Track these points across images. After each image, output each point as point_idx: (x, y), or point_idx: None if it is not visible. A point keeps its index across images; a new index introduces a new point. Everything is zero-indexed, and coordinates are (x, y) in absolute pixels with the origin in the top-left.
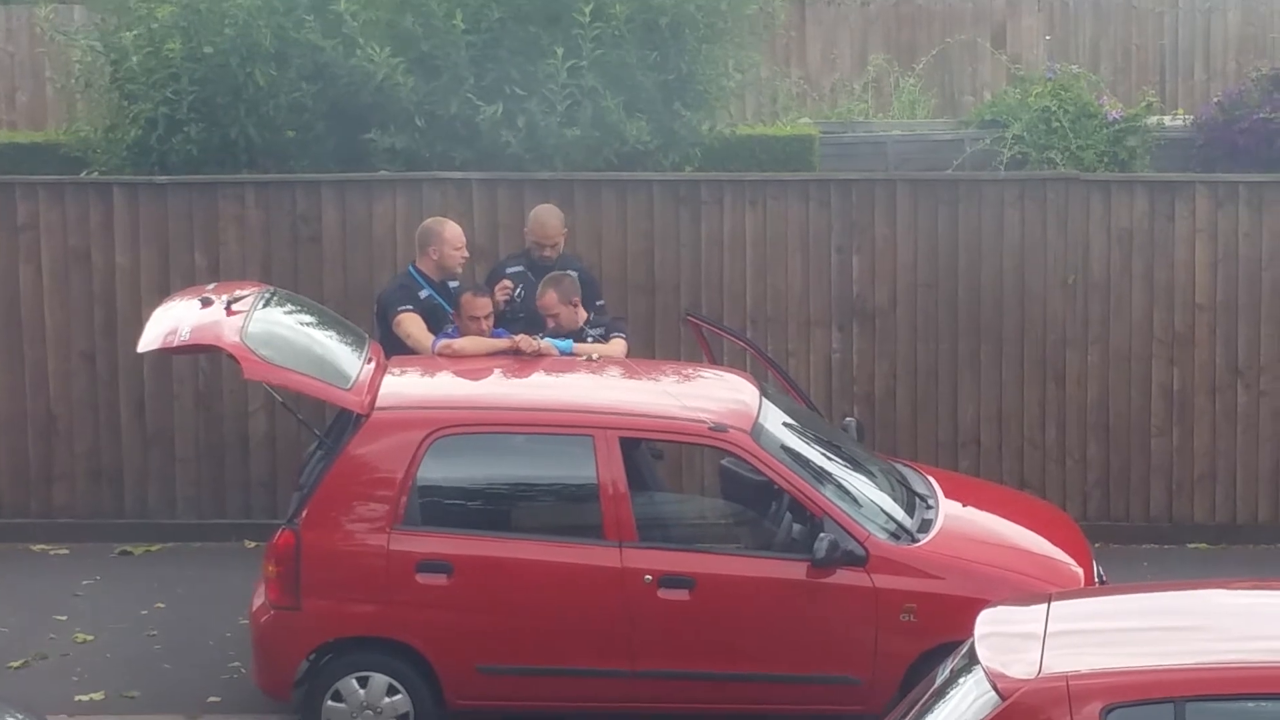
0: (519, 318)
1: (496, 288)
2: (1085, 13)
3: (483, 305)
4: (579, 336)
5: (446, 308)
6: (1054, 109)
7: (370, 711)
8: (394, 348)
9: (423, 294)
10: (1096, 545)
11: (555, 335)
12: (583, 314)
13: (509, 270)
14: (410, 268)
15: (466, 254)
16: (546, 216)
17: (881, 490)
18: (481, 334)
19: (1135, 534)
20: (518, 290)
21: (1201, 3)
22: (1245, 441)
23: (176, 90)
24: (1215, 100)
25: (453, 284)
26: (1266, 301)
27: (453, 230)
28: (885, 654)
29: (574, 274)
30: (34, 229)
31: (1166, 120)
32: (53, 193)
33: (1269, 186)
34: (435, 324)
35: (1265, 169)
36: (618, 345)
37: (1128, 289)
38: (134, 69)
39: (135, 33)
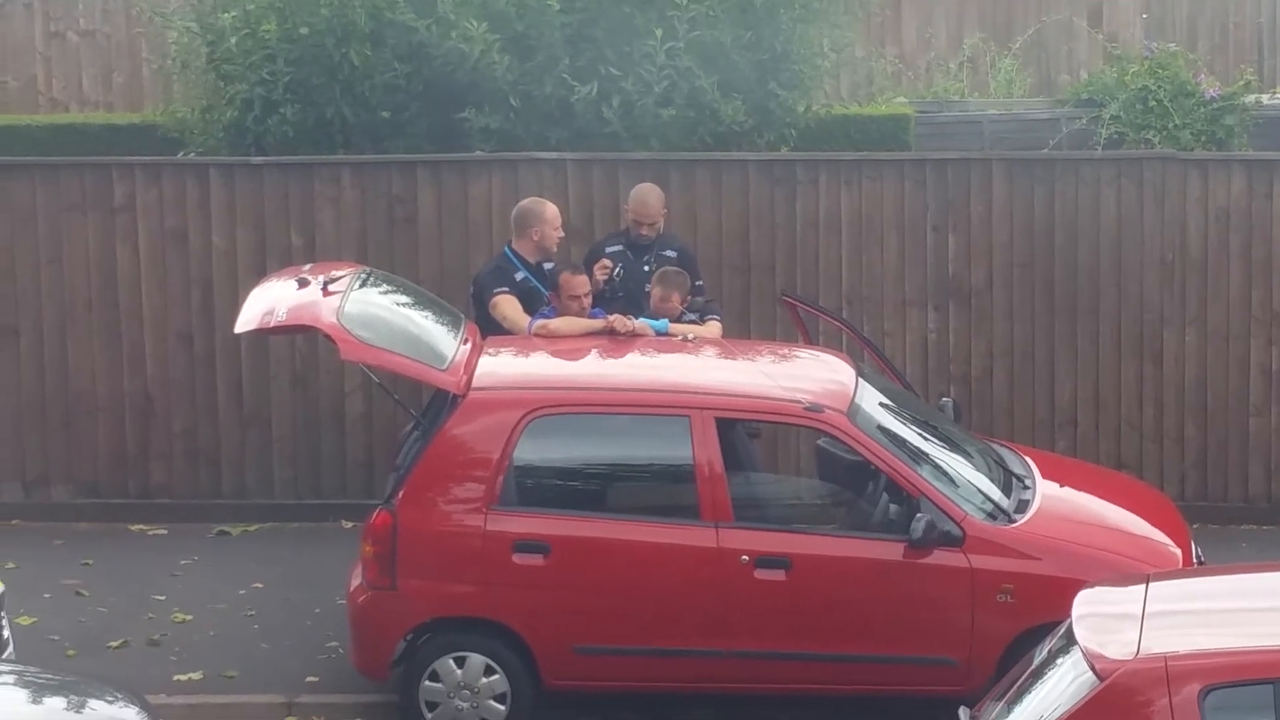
0: (618, 297)
1: (596, 267)
2: None
3: (581, 284)
4: (676, 318)
5: (542, 289)
6: (1151, 88)
7: (467, 691)
8: (490, 329)
9: (518, 276)
10: (1194, 526)
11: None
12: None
13: (608, 250)
14: (506, 249)
15: (563, 234)
16: (647, 194)
17: (978, 470)
18: (580, 313)
19: (1233, 514)
20: (617, 269)
21: None
22: None
23: (272, 71)
24: None
25: (548, 265)
26: None
27: (552, 211)
28: (982, 635)
29: (684, 271)
30: (131, 210)
31: (1264, 98)
32: (149, 174)
33: None
34: (531, 306)
35: None
36: (714, 327)
37: (1225, 268)
38: (230, 50)
39: (232, 14)
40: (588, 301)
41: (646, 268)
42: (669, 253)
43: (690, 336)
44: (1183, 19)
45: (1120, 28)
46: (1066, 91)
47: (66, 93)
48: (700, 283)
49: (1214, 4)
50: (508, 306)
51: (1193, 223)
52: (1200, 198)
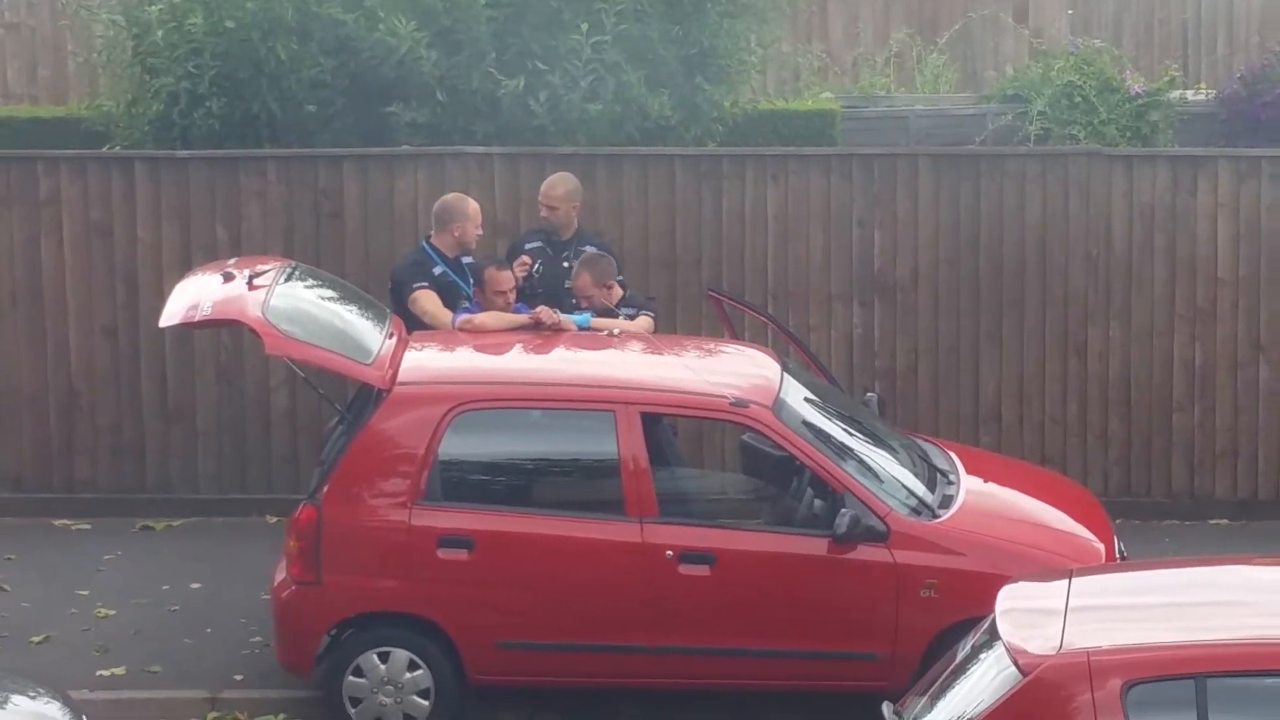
0: (537, 293)
1: (515, 263)
2: None
3: (506, 279)
4: (611, 315)
5: (460, 284)
6: (1077, 84)
7: (391, 686)
8: (410, 324)
9: (437, 270)
10: (1118, 521)
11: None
12: (617, 293)
13: (527, 246)
14: (424, 243)
15: (482, 232)
16: (553, 180)
17: (903, 466)
18: (505, 309)
19: (1157, 510)
20: (536, 265)
21: None
22: (1267, 417)
23: (199, 65)
24: (1238, 75)
25: (467, 260)
26: None
27: (474, 208)
28: (906, 629)
29: (609, 256)
30: (56, 203)
31: (1189, 95)
32: (75, 167)
33: None
34: (449, 300)
35: None
36: (644, 322)
37: (1150, 264)
38: (156, 43)
39: (158, 7)
40: (512, 297)
41: (566, 264)
42: (588, 248)
43: (615, 331)
44: (1108, 15)
45: (1046, 23)
46: (993, 87)
47: None
48: (621, 278)
49: (1139, 0)
50: (428, 301)
51: (1118, 219)
52: (1125, 194)
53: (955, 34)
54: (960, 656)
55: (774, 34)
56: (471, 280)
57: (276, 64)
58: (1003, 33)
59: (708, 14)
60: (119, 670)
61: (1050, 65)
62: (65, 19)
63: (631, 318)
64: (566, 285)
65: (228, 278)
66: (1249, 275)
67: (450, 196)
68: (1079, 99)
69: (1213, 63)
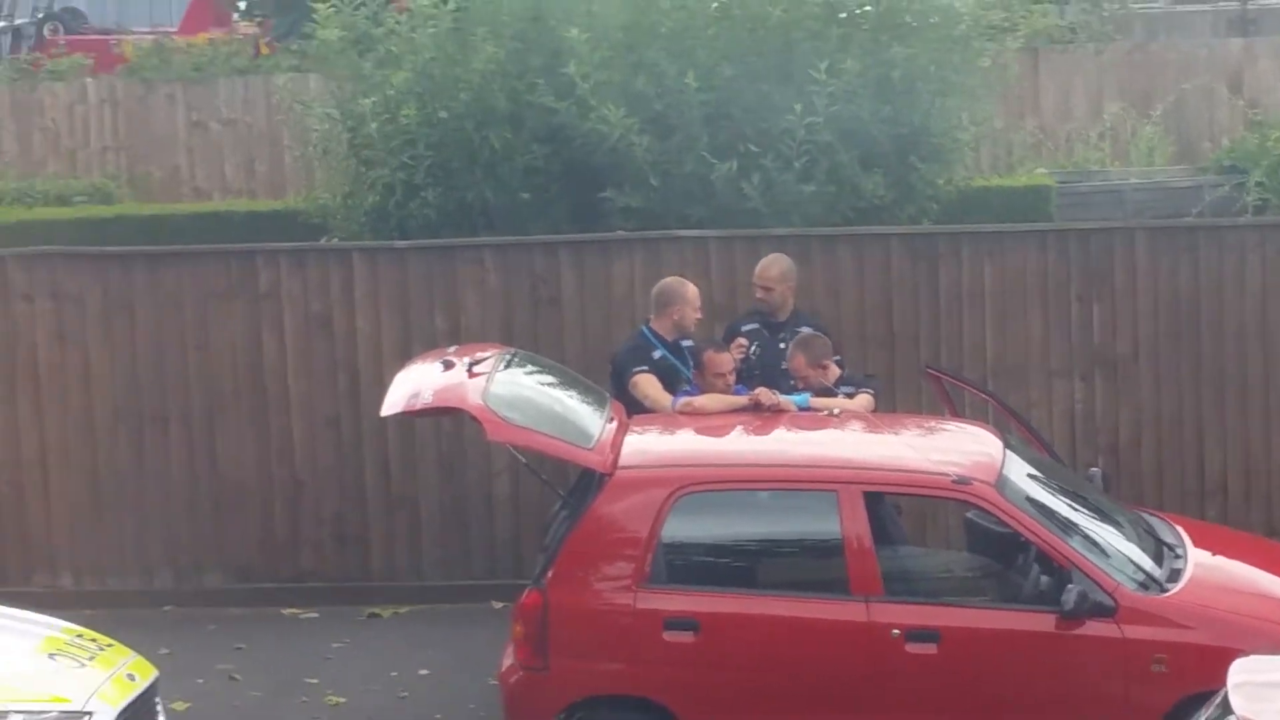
0: (755, 376)
1: (732, 345)
2: None
3: (725, 362)
4: (830, 395)
5: (680, 368)
6: None
7: None
8: (631, 408)
9: (656, 354)
10: None
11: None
12: (835, 372)
13: (744, 328)
14: (643, 327)
15: (701, 315)
16: (766, 260)
17: (1129, 540)
18: (725, 391)
19: None
20: (753, 347)
21: None
22: None
23: (413, 155)
24: None
25: (686, 343)
26: None
27: (693, 291)
28: (1136, 705)
29: (824, 336)
30: (275, 296)
31: None
32: (294, 260)
33: None
34: (669, 384)
35: None
36: (864, 400)
37: None
38: (371, 135)
39: (372, 100)
40: (732, 379)
41: (782, 345)
42: (804, 329)
43: (835, 411)
44: None
45: (1261, 93)
46: (1208, 159)
47: (210, 181)
48: (839, 358)
49: None
50: (648, 385)
51: None
52: None
53: (1169, 106)
54: None
55: (986, 111)
56: (691, 363)
57: (490, 153)
58: (1217, 104)
59: (919, 93)
60: None
61: (1267, 135)
62: (281, 114)
63: (851, 396)
64: (783, 366)
65: (447, 366)
66: None
67: (669, 280)
68: None
69: None
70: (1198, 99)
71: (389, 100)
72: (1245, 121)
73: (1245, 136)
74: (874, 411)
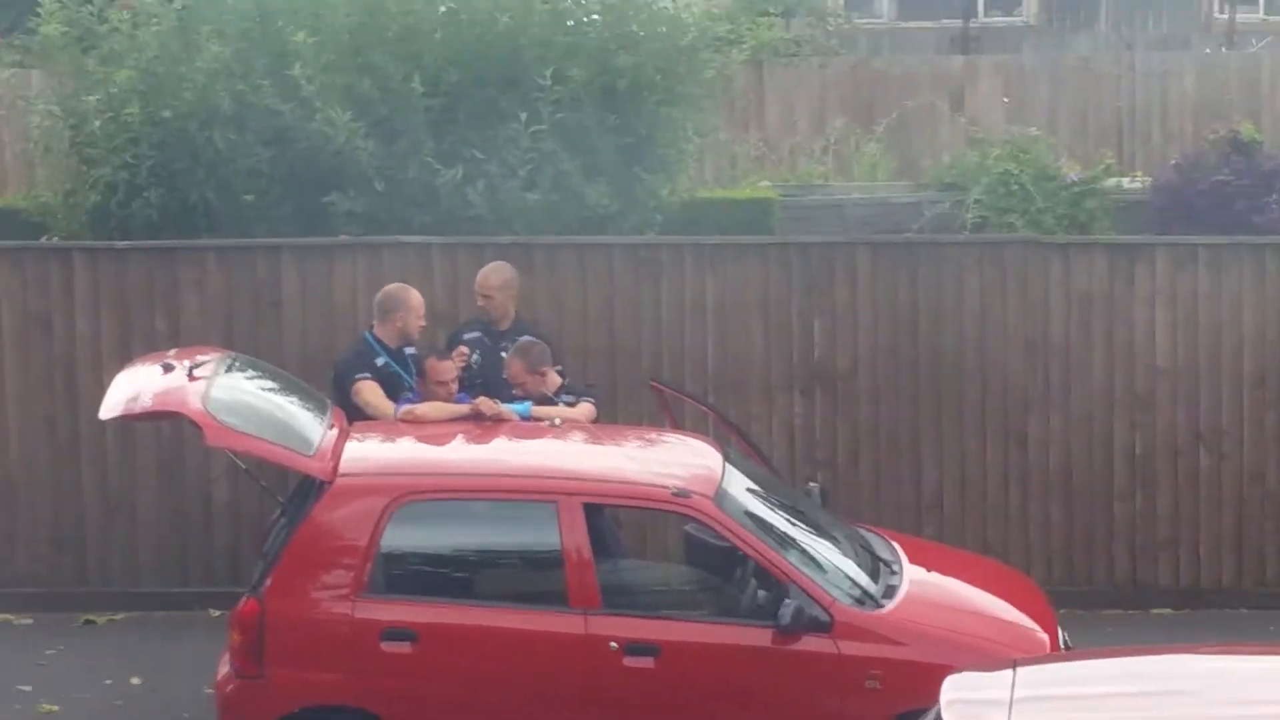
0: (476, 384)
1: (453, 354)
2: (1042, 75)
3: (448, 370)
4: (549, 403)
5: (403, 375)
6: (1013, 171)
7: None
8: (352, 415)
9: (379, 361)
10: (1061, 611)
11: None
12: (555, 380)
13: (465, 336)
14: (367, 334)
15: (425, 323)
16: (487, 269)
17: (845, 556)
18: (447, 399)
19: (1099, 599)
20: (474, 356)
21: (1158, 65)
22: (1208, 505)
23: (136, 155)
24: (1173, 163)
25: (409, 350)
26: (1227, 364)
27: (417, 299)
28: None
29: (544, 343)
30: None
31: (1125, 182)
32: (12, 259)
33: (1227, 249)
34: (392, 391)
35: (1223, 231)
36: (585, 409)
37: (1088, 352)
38: (94, 134)
39: (95, 97)
40: (454, 387)
41: (504, 354)
42: (539, 342)
43: (557, 421)
44: (1044, 103)
45: (982, 112)
46: (929, 175)
47: None
48: (560, 368)
49: (1074, 89)
50: (370, 393)
51: (1055, 306)
52: (1063, 281)
53: (892, 122)
54: None
55: (711, 123)
56: (414, 371)
57: (214, 154)
58: (939, 121)
59: (644, 103)
60: None
61: (986, 153)
62: (2, 110)
63: (571, 405)
64: (505, 375)
65: (168, 369)
66: (1187, 363)
67: (393, 286)
68: (1015, 187)
69: (1148, 150)
70: (920, 115)
71: (112, 98)
72: (966, 139)
73: (966, 154)
74: (595, 422)
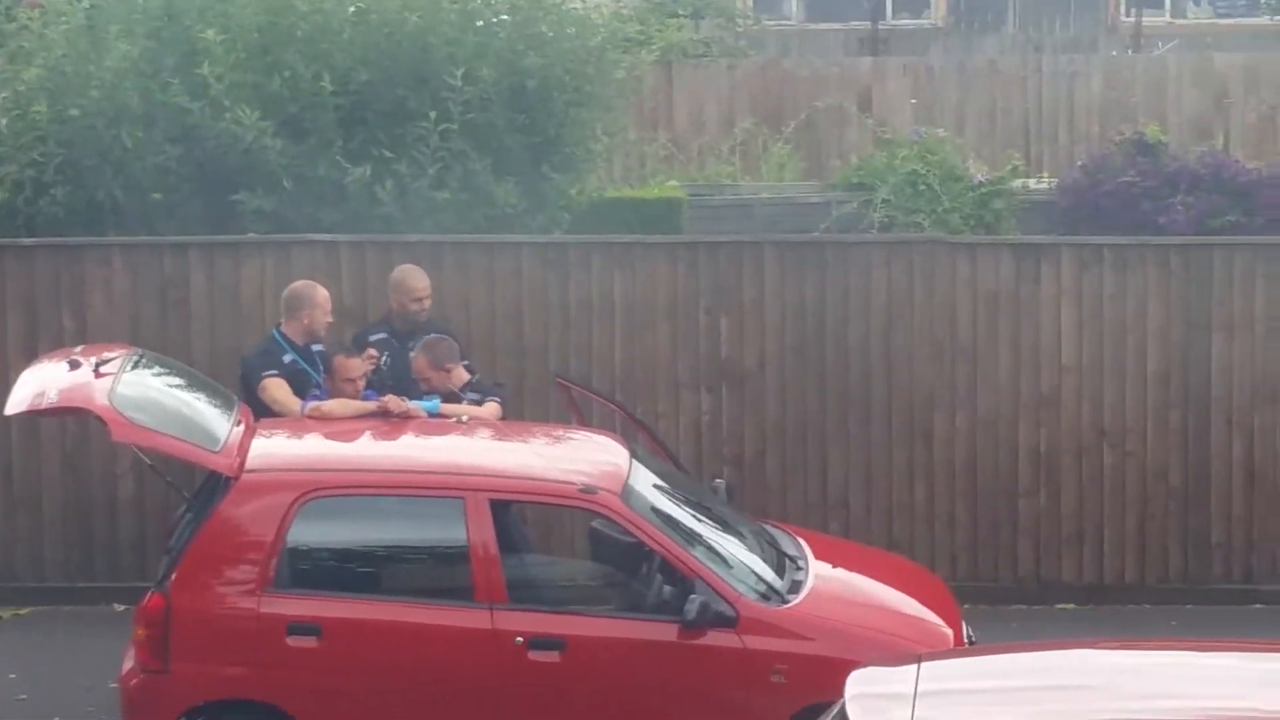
0: (387, 385)
1: (362, 356)
2: (950, 76)
3: (356, 367)
4: (455, 399)
5: (311, 372)
6: (920, 172)
7: None
8: (260, 412)
9: (287, 358)
10: (965, 606)
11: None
12: (462, 376)
13: (372, 338)
14: (275, 331)
15: (332, 319)
16: (410, 275)
17: (751, 552)
18: (355, 396)
19: (1004, 595)
20: (384, 358)
21: (1065, 67)
22: (1111, 502)
23: (43, 152)
24: (1079, 164)
25: (317, 347)
26: (1131, 363)
27: (323, 295)
28: (756, 715)
29: (451, 339)
30: None
31: (1031, 183)
32: None
33: (1132, 249)
34: (299, 388)
35: (1128, 232)
36: (492, 408)
37: (994, 351)
38: (1, 132)
39: (2, 95)
40: (362, 384)
41: (413, 354)
42: (446, 338)
43: (464, 418)
44: (951, 104)
45: (890, 113)
46: (837, 176)
47: None
48: (469, 363)
49: (981, 90)
50: (277, 389)
51: (962, 306)
52: (969, 281)
53: (800, 123)
54: None
55: (620, 122)
56: (321, 368)
57: (122, 152)
58: (847, 122)
59: (554, 102)
60: None
61: (894, 154)
62: None
63: (478, 403)
64: (412, 372)
65: (74, 365)
66: (1092, 362)
67: (299, 284)
68: (923, 187)
69: (1054, 151)
70: (828, 116)
71: (19, 96)
72: (874, 139)
73: (873, 154)
74: (503, 419)
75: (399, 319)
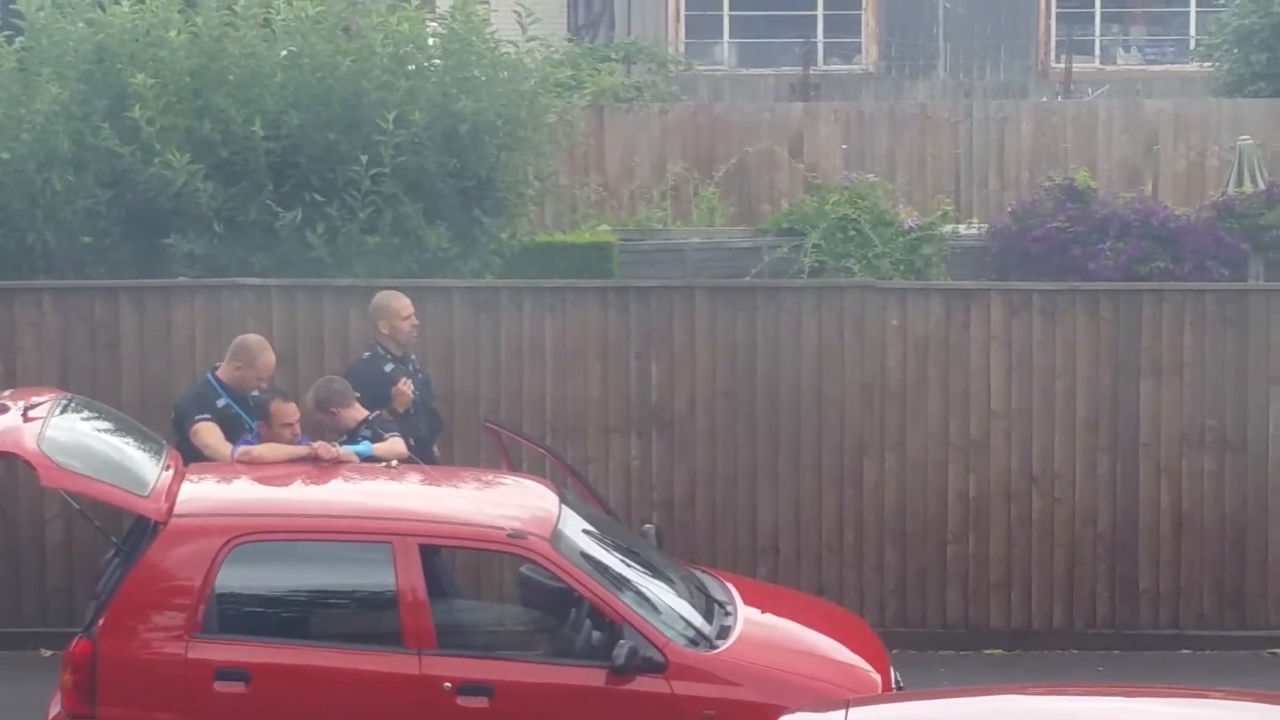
0: (419, 412)
1: (401, 383)
2: (881, 122)
3: (291, 412)
4: (354, 438)
5: (244, 417)
6: (851, 217)
7: None
8: (191, 456)
9: (220, 402)
10: (894, 651)
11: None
12: (356, 416)
13: (386, 368)
14: (208, 375)
15: (265, 385)
16: (393, 297)
17: (680, 597)
18: (291, 441)
19: (932, 640)
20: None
21: (995, 113)
22: (1040, 547)
23: None
24: (1009, 209)
25: (253, 392)
26: (1060, 408)
27: (266, 362)
28: None
29: (342, 380)
30: None
31: (961, 229)
32: None
33: (1061, 295)
34: (232, 433)
35: (1058, 277)
36: (394, 444)
37: (924, 396)
38: None
39: None
40: (298, 429)
41: (420, 374)
42: (334, 379)
43: (394, 463)
44: (882, 149)
45: (821, 158)
46: (768, 220)
47: None
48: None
49: (912, 136)
50: (208, 434)
51: (892, 351)
52: (899, 326)
53: (731, 168)
54: None
55: (551, 167)
56: (255, 413)
57: (52, 195)
58: (778, 167)
59: (485, 146)
60: None
61: (825, 199)
62: None
63: (376, 440)
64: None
65: (2, 410)
66: (1021, 407)
67: (252, 339)
68: (853, 232)
69: (984, 197)
70: (759, 161)
71: None
72: (805, 184)
73: (804, 199)
74: (434, 463)
75: (390, 342)
